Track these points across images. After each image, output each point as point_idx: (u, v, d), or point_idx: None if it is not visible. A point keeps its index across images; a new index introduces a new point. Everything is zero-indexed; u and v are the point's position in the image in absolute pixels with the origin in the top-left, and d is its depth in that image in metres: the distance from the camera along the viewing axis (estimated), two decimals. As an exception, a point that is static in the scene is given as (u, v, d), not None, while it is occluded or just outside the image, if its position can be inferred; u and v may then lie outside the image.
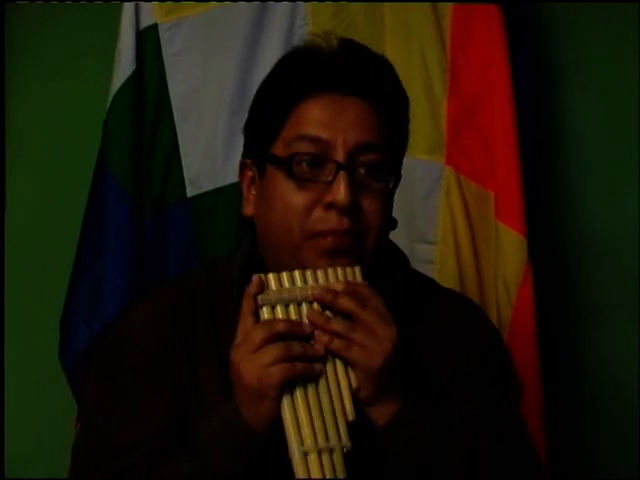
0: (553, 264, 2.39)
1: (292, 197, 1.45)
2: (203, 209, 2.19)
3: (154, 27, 2.15)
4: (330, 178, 1.44)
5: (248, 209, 1.55)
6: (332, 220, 1.44)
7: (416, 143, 2.17)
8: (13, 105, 2.35)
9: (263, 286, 1.39)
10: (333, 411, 1.38)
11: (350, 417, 1.39)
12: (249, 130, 1.55)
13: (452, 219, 2.21)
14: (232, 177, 2.13)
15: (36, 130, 2.37)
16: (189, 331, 1.52)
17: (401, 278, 1.57)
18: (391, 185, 1.51)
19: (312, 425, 1.36)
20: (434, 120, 2.20)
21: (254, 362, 1.35)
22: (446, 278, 2.18)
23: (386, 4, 2.22)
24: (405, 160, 2.20)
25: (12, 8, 2.34)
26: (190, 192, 2.20)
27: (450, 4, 2.21)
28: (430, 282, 1.69)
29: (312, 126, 1.46)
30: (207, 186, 2.18)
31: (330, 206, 1.44)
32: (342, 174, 1.44)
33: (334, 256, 1.45)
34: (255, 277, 1.40)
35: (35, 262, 2.36)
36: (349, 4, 2.21)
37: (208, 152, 2.18)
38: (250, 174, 1.54)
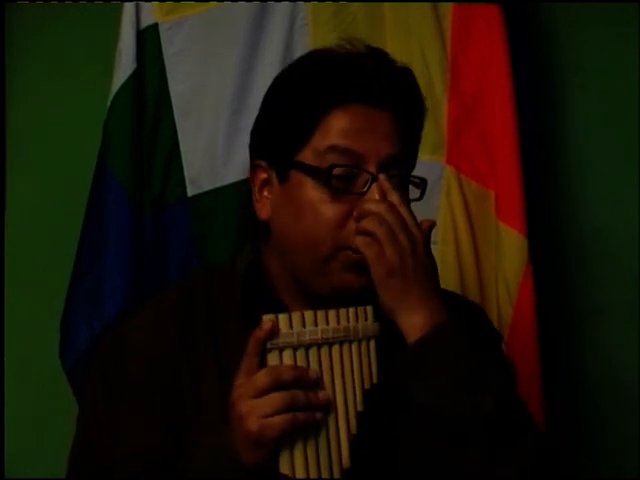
0: (553, 264, 2.40)
1: (326, 208, 1.44)
2: (203, 209, 2.19)
3: (155, 27, 2.15)
4: (365, 189, 1.43)
5: (264, 212, 1.51)
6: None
7: (417, 142, 2.19)
8: (13, 105, 2.35)
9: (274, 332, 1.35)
10: (330, 461, 1.36)
11: (345, 465, 1.37)
12: (266, 133, 1.52)
13: (452, 219, 2.21)
14: (232, 177, 2.14)
15: (36, 130, 2.37)
16: (188, 338, 1.50)
17: None
18: (410, 197, 1.50)
19: (307, 474, 1.34)
20: (435, 120, 2.19)
21: (256, 409, 1.32)
22: (446, 278, 2.18)
23: (386, 4, 2.22)
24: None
25: (12, 8, 2.34)
26: (190, 192, 2.19)
27: (450, 4, 2.22)
28: None
29: (344, 137, 1.44)
30: (207, 186, 2.18)
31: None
32: (376, 185, 1.43)
33: (360, 271, 1.44)
34: (266, 321, 1.35)
35: (35, 262, 2.36)
36: (349, 4, 2.21)
37: (208, 152, 2.17)
38: (264, 176, 1.51)
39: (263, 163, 1.51)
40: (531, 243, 2.16)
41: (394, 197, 1.43)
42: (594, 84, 2.44)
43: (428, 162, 2.18)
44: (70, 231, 2.20)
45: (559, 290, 2.41)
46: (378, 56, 1.50)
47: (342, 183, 1.44)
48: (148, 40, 2.15)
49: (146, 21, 2.15)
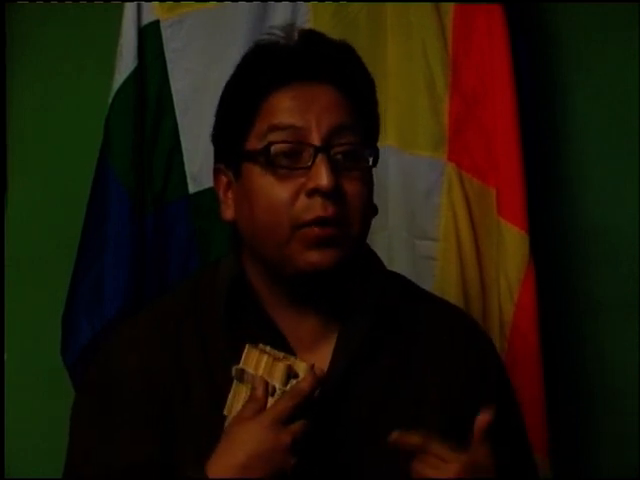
0: (555, 261, 2.40)
1: (274, 190, 1.43)
2: (204, 206, 2.18)
3: (156, 24, 2.15)
4: (309, 163, 1.42)
5: (227, 213, 1.51)
6: (317, 207, 1.42)
7: (418, 140, 2.19)
8: (14, 103, 2.35)
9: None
10: None
11: None
12: (218, 134, 1.53)
13: (454, 216, 2.20)
14: (233, 174, 2.14)
15: (37, 128, 2.37)
16: (177, 353, 1.49)
17: (377, 282, 1.56)
18: (369, 166, 1.49)
19: None
20: (436, 117, 2.20)
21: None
22: (447, 275, 2.19)
23: (388, 2, 2.22)
24: (407, 157, 2.22)
25: (12, 8, 2.34)
26: (192, 189, 2.20)
27: (452, 3, 2.22)
28: (412, 287, 1.66)
29: (284, 115, 1.44)
30: (208, 183, 2.16)
31: (313, 192, 1.42)
32: (321, 157, 1.42)
33: (322, 247, 1.43)
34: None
35: (37, 258, 2.36)
36: (350, 2, 2.21)
37: (210, 149, 2.13)
38: (225, 179, 1.52)
39: (222, 166, 1.52)
40: (532, 240, 2.16)
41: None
42: (595, 82, 2.44)
43: (429, 159, 2.19)
44: (71, 228, 2.20)
45: (560, 287, 2.41)
46: (310, 36, 1.51)
47: (286, 160, 1.43)
48: (149, 37, 2.15)
49: (147, 18, 2.15)
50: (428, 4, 2.20)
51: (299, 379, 1.38)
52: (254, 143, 1.46)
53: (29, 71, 2.37)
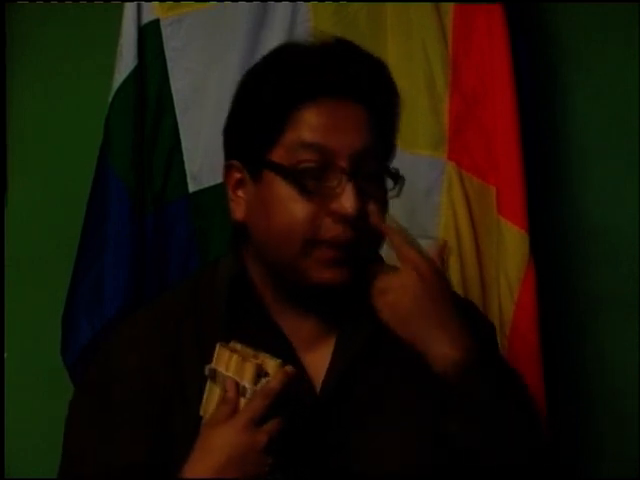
0: (555, 259, 2.40)
1: (296, 206, 1.42)
2: (204, 205, 2.19)
3: (156, 22, 2.16)
4: (335, 184, 1.42)
5: (239, 213, 1.50)
6: (337, 229, 1.42)
7: (418, 139, 2.19)
8: (14, 103, 2.35)
9: None
10: None
11: None
12: (237, 132, 1.51)
13: (454, 215, 2.21)
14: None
15: (38, 127, 2.37)
16: (176, 353, 1.49)
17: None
18: (387, 190, 1.49)
19: None
20: (436, 116, 2.20)
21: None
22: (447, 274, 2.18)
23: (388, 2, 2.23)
24: (407, 156, 2.22)
25: (12, 8, 2.34)
26: (192, 188, 2.20)
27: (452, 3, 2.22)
28: None
29: (314, 133, 1.42)
30: (208, 182, 2.18)
31: (336, 215, 1.42)
32: (348, 181, 1.42)
33: (336, 266, 1.43)
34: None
35: (37, 258, 2.36)
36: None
37: (210, 148, 2.16)
38: (238, 176, 1.50)
39: (236, 163, 1.50)
40: (533, 239, 2.16)
41: (397, 238, 1.44)
42: (595, 82, 2.44)
43: (429, 158, 2.20)
44: (71, 228, 2.20)
45: (560, 287, 2.42)
46: (347, 48, 1.48)
47: (312, 180, 1.42)
48: (149, 36, 2.15)
49: (147, 17, 2.15)
50: (428, 4, 2.20)
51: (269, 378, 1.38)
52: (280, 155, 1.44)
53: (29, 71, 2.37)
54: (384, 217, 1.47)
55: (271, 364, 1.39)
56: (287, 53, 1.50)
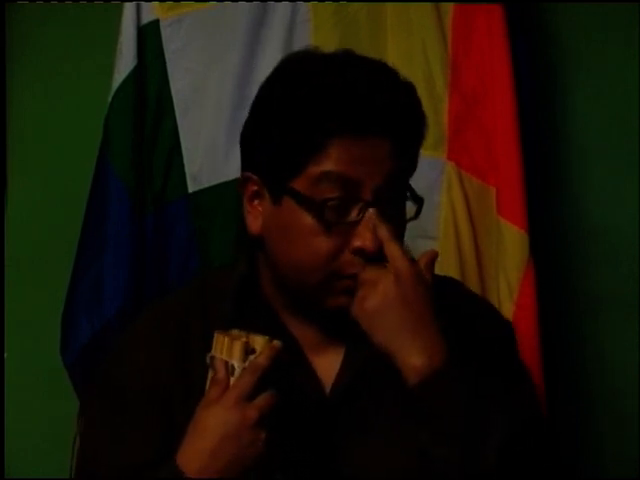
0: (554, 259, 2.40)
1: (318, 240, 1.41)
2: (204, 205, 2.19)
3: (155, 23, 2.15)
4: (358, 218, 1.41)
5: (255, 227, 1.48)
6: (359, 265, 1.41)
7: (417, 139, 2.19)
8: (14, 103, 2.35)
9: None
10: None
11: None
12: (259, 153, 1.47)
13: (453, 215, 2.21)
14: (233, 173, 2.11)
15: (37, 127, 2.37)
16: (184, 355, 1.50)
17: None
18: (406, 212, 1.49)
19: None
20: (436, 116, 2.19)
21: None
22: (447, 274, 2.18)
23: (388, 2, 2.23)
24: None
25: (12, 8, 2.34)
26: (191, 188, 2.19)
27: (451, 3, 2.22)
28: None
29: (339, 165, 1.40)
30: (208, 182, 2.18)
31: (358, 251, 1.41)
32: (371, 213, 1.40)
33: (350, 294, 1.42)
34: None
35: (36, 258, 2.36)
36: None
37: (209, 148, 2.17)
38: (255, 188, 1.47)
39: (255, 177, 1.47)
40: (533, 240, 2.16)
41: (383, 232, 1.40)
42: (595, 82, 2.44)
43: (429, 158, 2.18)
44: (71, 227, 2.19)
45: (560, 287, 2.42)
46: (377, 76, 1.44)
47: (336, 214, 1.41)
48: (149, 37, 2.15)
49: (147, 17, 2.14)
50: (428, 4, 2.20)
51: (256, 354, 1.38)
52: (304, 186, 1.41)
53: (29, 71, 2.37)
54: (402, 240, 1.46)
55: (258, 340, 1.39)
56: (314, 78, 1.43)
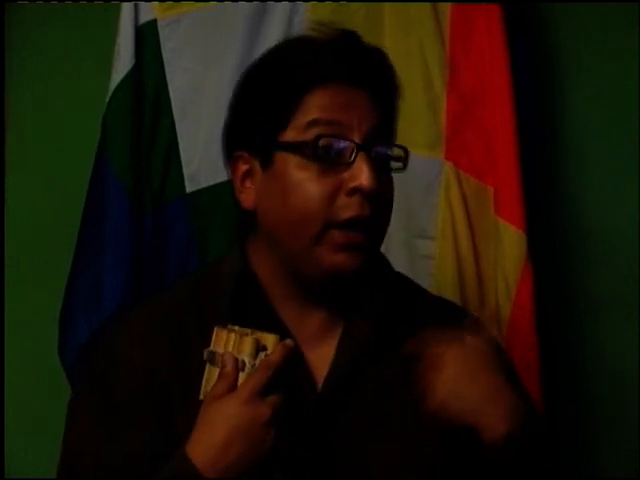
0: (552, 260, 2.40)
1: (313, 185, 1.43)
2: (202, 205, 2.19)
3: (153, 22, 2.15)
4: (351, 160, 1.43)
5: (248, 202, 1.51)
6: (355, 207, 1.43)
7: (415, 139, 2.19)
8: (13, 102, 2.35)
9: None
10: None
11: None
12: (244, 121, 1.52)
13: (451, 215, 2.21)
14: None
15: (36, 126, 2.37)
16: (179, 352, 1.50)
17: (384, 283, 1.56)
18: (393, 170, 1.51)
19: None
20: (433, 116, 2.20)
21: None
22: (445, 274, 2.19)
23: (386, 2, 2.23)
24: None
25: (12, 8, 2.34)
26: (189, 188, 2.20)
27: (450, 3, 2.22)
28: (415, 287, 1.68)
29: (327, 111, 1.45)
30: (206, 182, 2.18)
31: (354, 192, 1.43)
32: (363, 156, 1.43)
33: (349, 251, 1.44)
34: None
35: (35, 257, 2.36)
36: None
37: (207, 148, 2.17)
38: (245, 167, 1.51)
39: (244, 153, 1.51)
40: (532, 240, 2.16)
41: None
42: (595, 82, 2.44)
43: (427, 158, 2.19)
44: (70, 226, 2.19)
45: (560, 287, 2.41)
46: (352, 38, 1.51)
47: (328, 155, 1.43)
48: (147, 36, 2.15)
49: (144, 17, 2.15)
50: (426, 4, 2.20)
51: (268, 352, 1.39)
52: (293, 135, 1.45)
53: (28, 70, 2.37)
54: (392, 202, 1.51)
55: (270, 338, 1.41)
56: (295, 42, 1.54)
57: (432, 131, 2.20)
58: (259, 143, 1.49)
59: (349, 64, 1.47)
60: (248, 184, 1.51)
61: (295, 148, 1.44)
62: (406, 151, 1.51)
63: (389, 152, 1.49)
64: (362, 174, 1.42)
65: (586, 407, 2.46)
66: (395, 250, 2.20)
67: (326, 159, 1.43)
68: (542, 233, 2.28)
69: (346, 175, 1.43)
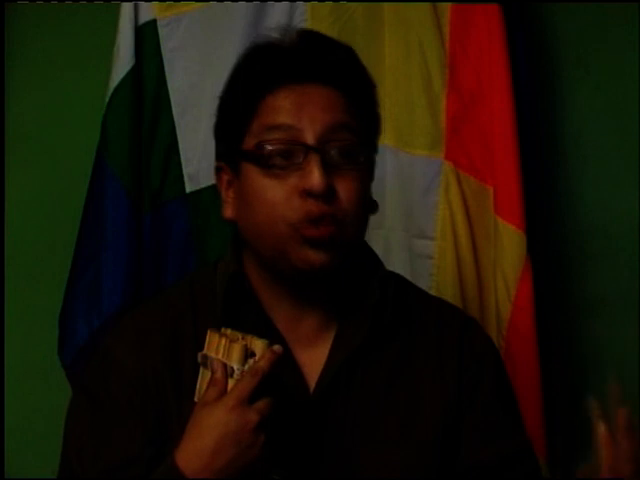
0: (552, 259, 2.39)
1: (269, 191, 1.44)
2: (202, 205, 2.18)
3: (153, 22, 2.15)
4: (300, 161, 1.43)
5: (228, 211, 1.53)
6: (308, 207, 1.43)
7: (415, 139, 2.19)
8: (13, 102, 2.34)
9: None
10: None
11: None
12: (218, 132, 1.54)
13: (451, 215, 2.21)
14: (231, 173, 2.14)
15: (35, 126, 2.36)
16: (174, 354, 1.50)
17: (376, 282, 1.55)
18: (363, 165, 1.49)
19: None
20: (433, 116, 2.20)
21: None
22: (445, 274, 2.19)
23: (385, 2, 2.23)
24: (404, 156, 2.22)
25: (12, 8, 2.34)
26: (189, 188, 2.20)
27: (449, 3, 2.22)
28: (411, 287, 1.67)
29: (278, 115, 1.45)
30: (206, 182, 2.18)
31: (306, 193, 1.43)
32: (313, 157, 1.43)
33: (317, 247, 1.43)
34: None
35: (34, 257, 2.35)
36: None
37: (207, 147, 2.14)
38: (226, 177, 1.52)
39: (223, 164, 1.52)
40: (532, 239, 2.16)
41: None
42: (593, 81, 2.44)
43: (426, 158, 2.20)
44: (69, 226, 2.20)
45: (560, 286, 2.41)
46: (310, 36, 1.52)
47: (280, 160, 1.44)
48: (146, 36, 2.15)
49: (144, 17, 2.15)
50: (425, 4, 2.20)
51: (256, 358, 1.39)
52: (250, 143, 1.46)
53: (28, 71, 2.36)
54: (359, 194, 1.48)
55: (258, 344, 1.40)
56: (253, 48, 1.53)
57: (432, 131, 2.20)
58: (227, 153, 1.51)
59: (307, 63, 1.47)
60: (231, 194, 1.53)
61: (249, 156, 1.46)
62: (371, 146, 1.52)
63: (351, 148, 1.48)
64: (311, 175, 1.42)
65: (586, 407, 2.45)
66: (394, 250, 2.20)
67: (276, 165, 1.44)
68: (542, 233, 2.27)
69: (299, 177, 1.43)
